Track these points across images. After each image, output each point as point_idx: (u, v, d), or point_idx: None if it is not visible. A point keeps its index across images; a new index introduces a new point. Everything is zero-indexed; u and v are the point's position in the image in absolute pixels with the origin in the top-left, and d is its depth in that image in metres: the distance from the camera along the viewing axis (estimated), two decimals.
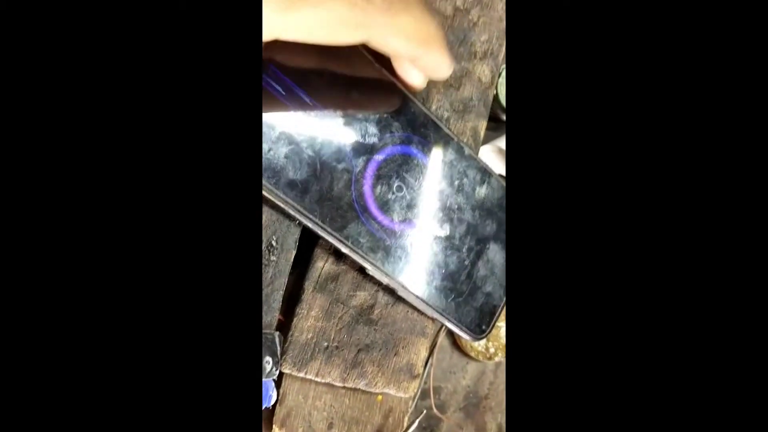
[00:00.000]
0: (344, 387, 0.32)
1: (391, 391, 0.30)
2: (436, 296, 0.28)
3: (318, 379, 0.29)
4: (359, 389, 0.33)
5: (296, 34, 0.19)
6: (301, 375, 0.29)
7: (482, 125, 0.32)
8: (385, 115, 0.26)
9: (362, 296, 0.29)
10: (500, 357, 0.37)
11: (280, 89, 0.24)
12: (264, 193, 0.24)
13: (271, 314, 0.27)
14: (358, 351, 0.29)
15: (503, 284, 0.29)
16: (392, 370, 0.30)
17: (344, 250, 0.26)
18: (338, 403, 0.33)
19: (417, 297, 0.27)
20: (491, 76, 0.32)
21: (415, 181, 0.27)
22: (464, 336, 0.29)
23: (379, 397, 0.34)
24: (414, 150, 0.27)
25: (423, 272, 0.27)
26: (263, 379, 0.27)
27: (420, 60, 0.23)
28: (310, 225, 0.25)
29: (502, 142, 0.34)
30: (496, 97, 0.38)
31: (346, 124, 0.25)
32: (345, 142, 0.25)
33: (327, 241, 0.26)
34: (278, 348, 0.27)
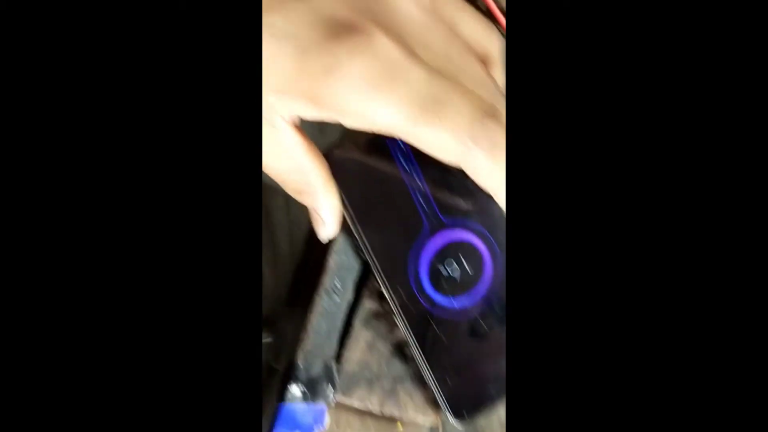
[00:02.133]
0: (375, 415, 0.36)
1: (419, 420, 0.34)
2: (436, 363, 0.30)
3: (361, 407, 0.33)
4: (383, 419, 0.37)
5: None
6: (348, 402, 0.32)
7: None
8: (471, 206, 0.30)
9: (399, 335, 0.34)
10: None
11: (400, 151, 0.30)
12: (346, 217, 0.29)
13: (331, 348, 0.31)
14: (394, 382, 0.34)
15: (503, 393, 0.31)
16: (421, 400, 0.34)
17: (384, 292, 0.30)
18: (365, 429, 0.37)
19: (420, 356, 0.30)
20: None
21: (469, 269, 0.30)
22: (443, 409, 0.31)
23: (399, 424, 0.38)
24: (481, 245, 0.31)
25: (435, 339, 0.30)
26: (322, 406, 0.31)
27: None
28: (368, 259, 0.30)
29: None
30: None
31: (436, 194, 0.30)
32: (426, 209, 0.30)
33: (373, 284, 0.31)
34: (336, 378, 0.31)
